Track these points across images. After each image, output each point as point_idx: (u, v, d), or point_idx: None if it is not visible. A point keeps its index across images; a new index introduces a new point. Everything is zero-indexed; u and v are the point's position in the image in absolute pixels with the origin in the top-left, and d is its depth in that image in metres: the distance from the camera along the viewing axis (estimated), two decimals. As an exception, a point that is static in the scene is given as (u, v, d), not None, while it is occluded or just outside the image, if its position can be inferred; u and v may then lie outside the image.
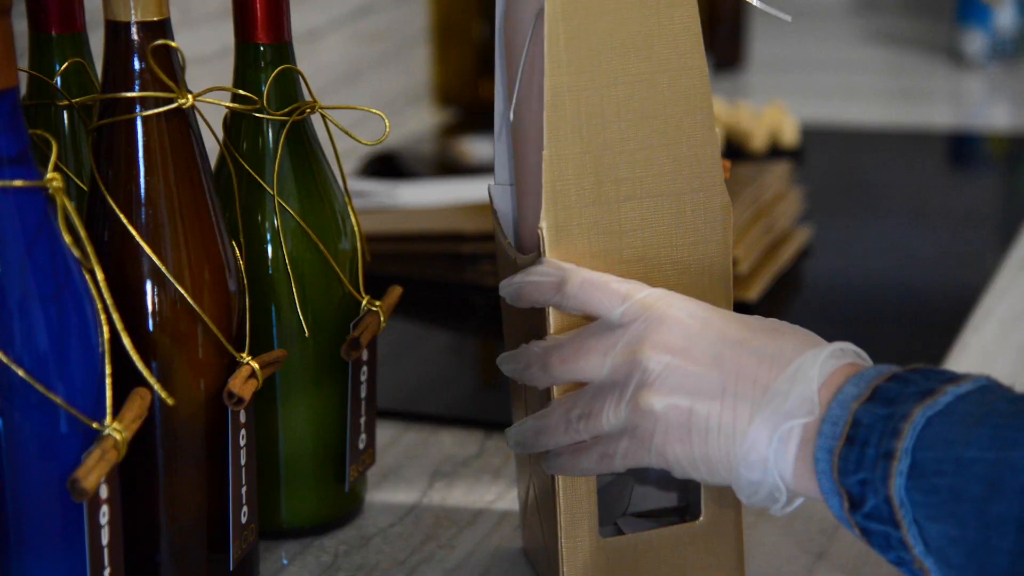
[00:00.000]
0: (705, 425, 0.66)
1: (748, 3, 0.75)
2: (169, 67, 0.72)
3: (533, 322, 0.75)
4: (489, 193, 0.79)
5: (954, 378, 0.63)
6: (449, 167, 1.39)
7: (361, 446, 0.84)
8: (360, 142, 0.81)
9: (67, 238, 0.65)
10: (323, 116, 0.81)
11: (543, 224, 0.72)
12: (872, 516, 0.62)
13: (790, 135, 1.45)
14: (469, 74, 1.59)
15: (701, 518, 0.76)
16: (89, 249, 0.65)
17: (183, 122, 0.73)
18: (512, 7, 0.74)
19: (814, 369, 0.65)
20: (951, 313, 1.10)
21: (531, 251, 0.74)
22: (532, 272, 0.72)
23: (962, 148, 1.54)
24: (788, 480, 0.65)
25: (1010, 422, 0.60)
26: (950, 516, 0.60)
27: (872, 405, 0.63)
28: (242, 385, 0.74)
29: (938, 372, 0.64)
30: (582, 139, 0.72)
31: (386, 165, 1.36)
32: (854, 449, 0.63)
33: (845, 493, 0.63)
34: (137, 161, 0.72)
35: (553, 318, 0.73)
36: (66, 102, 0.80)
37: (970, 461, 0.60)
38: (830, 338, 0.68)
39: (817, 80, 1.72)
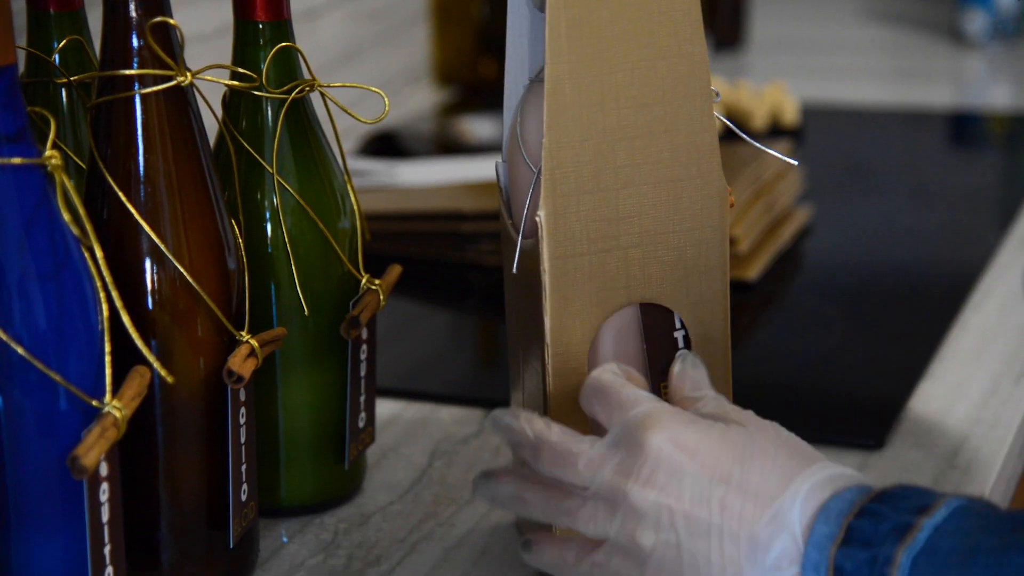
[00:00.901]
0: (697, 562, 0.66)
1: None
2: (168, 45, 0.72)
3: (533, 303, 0.75)
4: (496, 170, 0.79)
5: (924, 506, 0.63)
6: (449, 146, 1.39)
7: (361, 424, 0.84)
8: (360, 120, 0.81)
9: (66, 216, 0.64)
10: (322, 94, 0.81)
11: (541, 212, 0.72)
12: None
13: (790, 114, 1.45)
14: (469, 53, 1.59)
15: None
16: (88, 227, 0.65)
17: (182, 100, 0.73)
18: None
19: (793, 513, 0.64)
20: (951, 292, 1.10)
21: (530, 236, 0.75)
22: (511, 420, 0.71)
23: (962, 127, 1.54)
24: None
25: (1002, 557, 0.60)
26: None
27: (850, 549, 0.62)
28: (241, 363, 0.74)
29: (905, 497, 0.63)
30: (582, 126, 0.72)
31: (386, 144, 1.36)
32: None
33: None
34: (136, 139, 0.72)
35: (550, 301, 0.73)
36: (64, 80, 0.80)
37: None
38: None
39: (818, 59, 1.72)
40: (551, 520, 0.70)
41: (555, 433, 0.70)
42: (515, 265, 0.75)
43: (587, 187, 0.73)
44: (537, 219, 0.73)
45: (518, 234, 0.76)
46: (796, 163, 0.80)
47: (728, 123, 0.77)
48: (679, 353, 0.73)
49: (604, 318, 0.74)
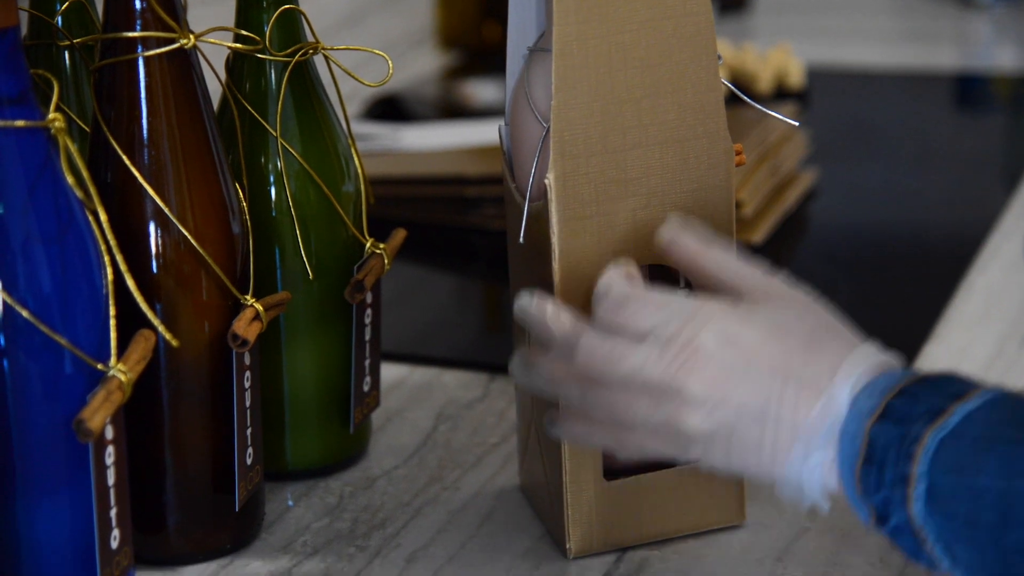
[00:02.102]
0: (746, 447, 0.67)
1: None
2: (171, 7, 0.71)
3: (540, 266, 0.75)
4: (499, 133, 0.79)
5: (961, 393, 0.64)
6: (452, 110, 1.38)
7: (366, 388, 0.84)
8: (363, 83, 0.81)
9: (70, 179, 0.64)
10: (326, 57, 0.81)
11: (550, 175, 0.72)
12: (897, 531, 0.64)
13: (796, 77, 1.44)
14: (473, 17, 1.58)
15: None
16: (92, 190, 0.65)
17: (185, 63, 0.73)
18: None
19: (843, 395, 0.66)
20: (957, 254, 1.09)
21: (537, 199, 0.74)
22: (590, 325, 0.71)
23: (968, 89, 1.53)
24: (826, 496, 0.67)
25: (1016, 449, 0.62)
26: (969, 541, 0.62)
27: (884, 424, 0.64)
28: (246, 327, 0.74)
29: (947, 383, 0.65)
30: (590, 88, 0.72)
31: (389, 108, 1.36)
32: (872, 469, 0.64)
33: (871, 508, 0.65)
34: (139, 102, 0.72)
35: (559, 264, 0.73)
36: (67, 42, 0.80)
37: (982, 490, 0.62)
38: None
39: (823, 22, 1.71)
40: (583, 405, 0.70)
41: (591, 332, 0.70)
42: (522, 234, 0.75)
43: (595, 149, 0.73)
44: (546, 182, 0.73)
45: (522, 197, 0.76)
46: (797, 124, 0.80)
47: (731, 87, 0.77)
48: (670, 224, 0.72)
49: None
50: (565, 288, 0.73)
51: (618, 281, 0.71)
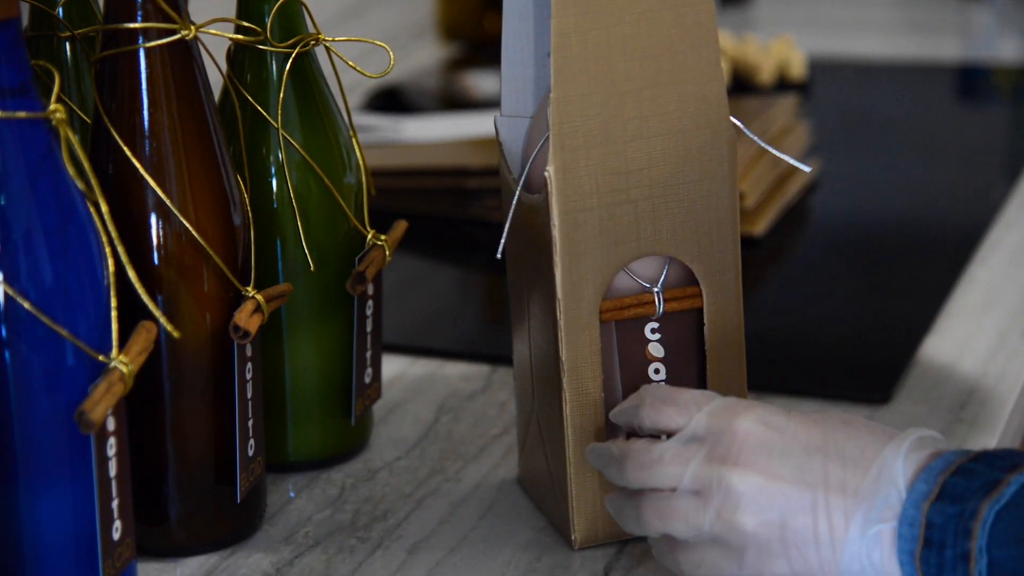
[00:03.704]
0: (801, 539, 0.65)
1: None
2: (172, -2, 0.71)
3: (540, 259, 0.75)
4: (495, 125, 0.79)
5: (1017, 464, 0.63)
6: (454, 102, 1.38)
7: (367, 380, 0.84)
8: (365, 74, 0.81)
9: (71, 170, 0.64)
10: (327, 48, 0.81)
11: (551, 168, 0.72)
12: None
13: (797, 68, 1.44)
14: (474, 8, 1.58)
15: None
16: (93, 181, 0.65)
17: (186, 54, 0.73)
18: None
19: (897, 467, 0.65)
20: (958, 246, 1.09)
21: (537, 191, 0.74)
22: (617, 410, 0.73)
23: (970, 81, 1.53)
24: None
25: None
26: None
27: (942, 504, 0.63)
28: (247, 319, 0.74)
29: (1002, 457, 0.64)
30: (589, 80, 0.72)
31: (391, 100, 1.36)
32: (932, 551, 0.63)
33: None
34: (140, 93, 0.72)
35: (560, 257, 0.73)
36: (68, 33, 0.80)
37: None
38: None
39: (825, 13, 1.71)
40: (646, 529, 0.70)
41: (637, 442, 0.70)
42: (503, 240, 0.75)
43: (596, 141, 0.73)
44: (546, 175, 0.73)
45: (522, 187, 0.76)
46: (809, 169, 0.79)
47: (739, 124, 0.76)
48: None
49: (615, 272, 0.74)
50: (567, 282, 0.73)
51: (654, 386, 0.71)
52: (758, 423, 0.67)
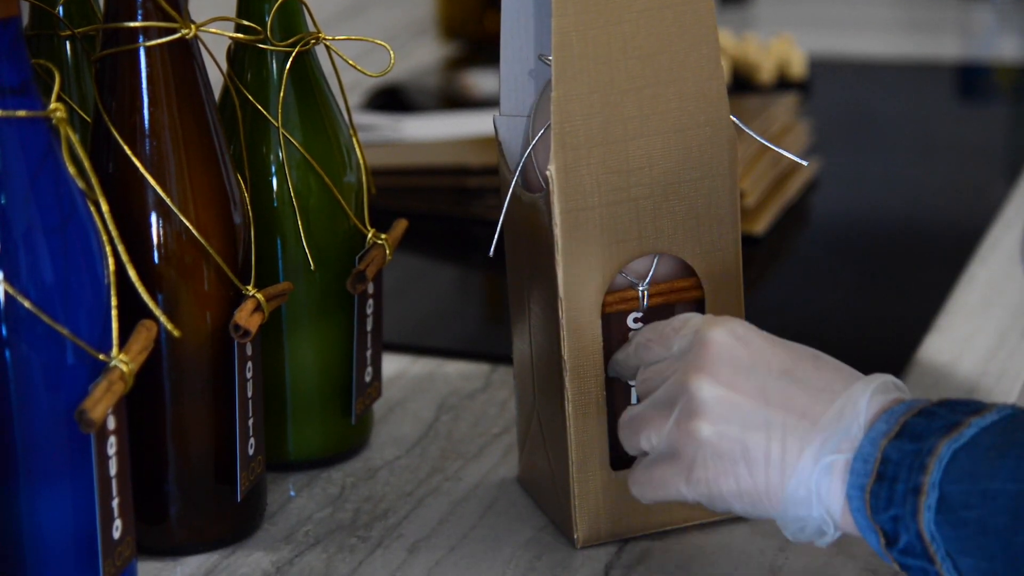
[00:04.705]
0: (753, 457, 0.66)
1: None
2: (172, -3, 0.71)
3: (541, 258, 0.75)
4: (494, 124, 0.79)
5: (978, 409, 0.63)
6: (454, 100, 1.38)
7: (367, 379, 0.84)
8: (365, 73, 0.81)
9: (71, 169, 0.64)
10: (327, 47, 0.81)
11: (552, 167, 0.72)
12: (907, 552, 0.63)
13: (798, 67, 1.44)
14: (474, 7, 1.58)
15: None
16: (94, 180, 0.65)
17: (186, 53, 0.73)
18: None
19: (861, 403, 0.65)
20: (958, 245, 1.09)
21: (537, 190, 0.74)
22: (617, 357, 0.74)
23: (970, 80, 1.53)
24: (836, 515, 0.65)
25: None
26: (979, 549, 0.61)
27: (900, 441, 0.63)
28: (248, 318, 0.74)
29: (964, 404, 0.64)
30: (589, 79, 0.72)
31: (391, 98, 1.36)
32: (884, 485, 0.63)
33: (880, 530, 0.63)
34: (141, 92, 0.72)
35: (561, 256, 0.73)
36: (68, 32, 0.80)
37: (995, 493, 0.61)
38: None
39: (825, 11, 1.71)
40: (624, 442, 0.71)
41: (636, 342, 0.72)
42: (496, 239, 0.75)
43: (596, 140, 0.73)
44: (547, 174, 0.73)
45: (522, 187, 0.76)
46: (807, 163, 0.79)
47: (740, 123, 0.76)
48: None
49: (616, 271, 0.74)
50: (569, 281, 0.73)
51: (641, 330, 0.73)
52: (730, 335, 0.67)
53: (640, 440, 0.70)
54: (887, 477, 0.63)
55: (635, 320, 0.75)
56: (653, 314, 0.75)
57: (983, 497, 0.61)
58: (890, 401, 0.65)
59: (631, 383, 0.75)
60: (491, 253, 0.75)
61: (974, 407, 0.64)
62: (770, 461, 0.65)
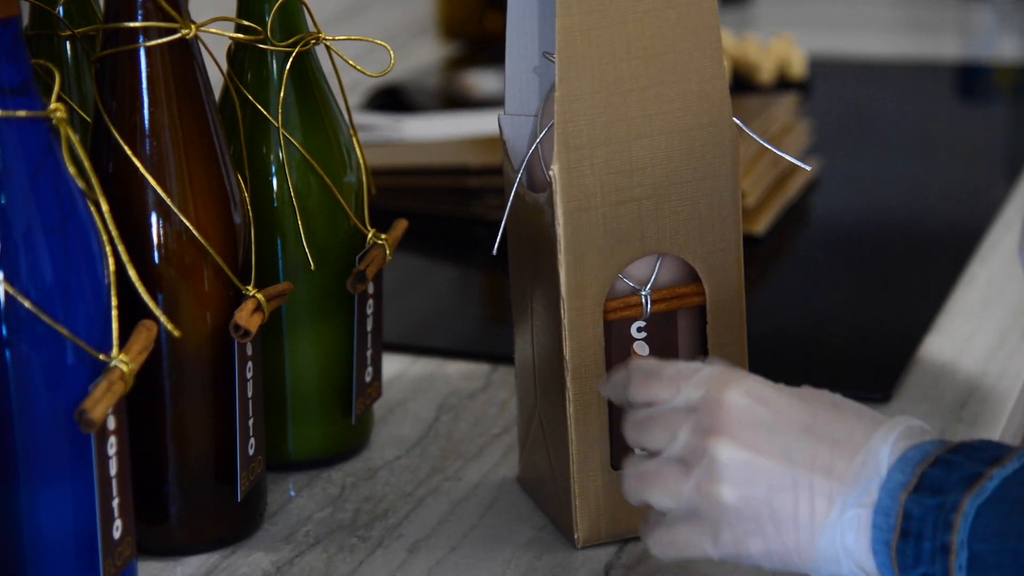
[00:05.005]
0: (780, 518, 0.65)
1: None
2: (172, -3, 0.71)
3: (544, 258, 0.75)
4: (499, 123, 0.79)
5: (998, 457, 0.62)
6: (454, 100, 1.38)
7: (367, 379, 0.84)
8: (365, 73, 0.81)
9: (71, 169, 0.64)
10: (328, 47, 0.81)
11: (555, 167, 0.72)
12: None
13: (798, 67, 1.44)
14: (475, 7, 1.58)
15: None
16: (94, 180, 0.65)
17: (186, 53, 0.73)
18: None
19: (883, 454, 0.64)
20: (958, 245, 1.09)
21: (541, 190, 0.74)
22: (606, 383, 0.71)
23: (970, 80, 1.53)
24: (868, 569, 0.64)
25: None
26: None
27: (920, 495, 0.62)
28: (248, 318, 0.74)
29: (980, 449, 0.63)
30: (593, 79, 0.72)
31: (391, 99, 1.36)
32: (909, 543, 0.62)
33: None
34: (141, 92, 0.72)
35: (564, 256, 0.73)
36: (68, 32, 0.80)
37: None
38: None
39: (825, 12, 1.71)
40: (628, 494, 0.69)
41: (639, 407, 0.69)
42: (506, 213, 0.75)
43: (600, 139, 0.73)
44: (550, 174, 0.73)
45: (526, 186, 0.76)
46: (809, 168, 0.79)
47: (743, 126, 0.76)
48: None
49: (619, 271, 0.74)
50: (572, 281, 0.73)
51: (637, 361, 0.69)
52: (747, 396, 0.66)
53: (653, 498, 0.68)
54: (912, 534, 0.62)
55: (639, 330, 0.75)
56: (657, 322, 0.75)
57: (1014, 556, 0.60)
58: (908, 447, 0.64)
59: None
60: (495, 251, 0.75)
61: (991, 454, 0.63)
62: (799, 521, 0.64)
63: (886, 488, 0.63)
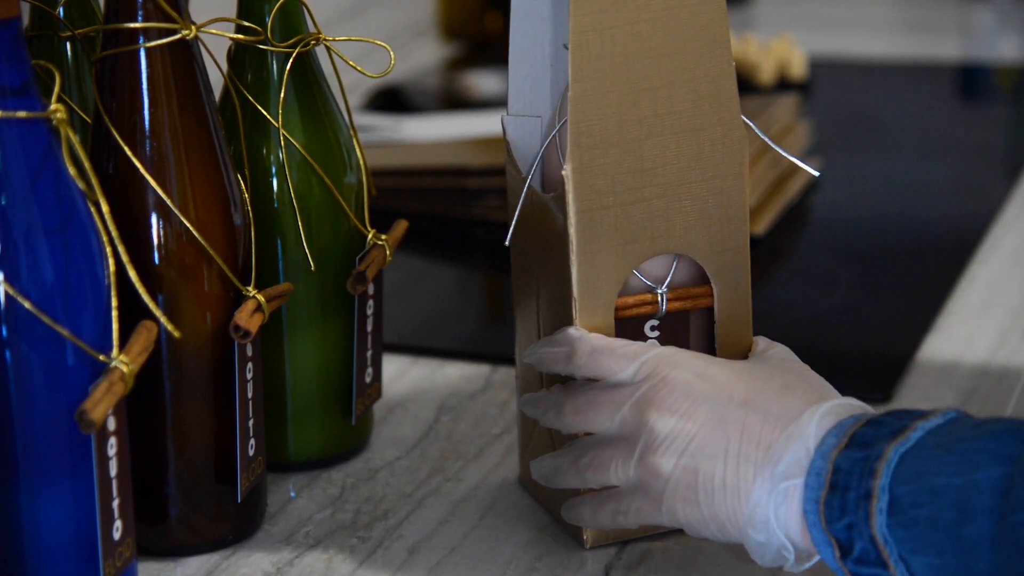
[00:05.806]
0: (711, 485, 0.67)
1: None
2: (172, -2, 0.71)
3: (553, 258, 0.75)
4: (502, 124, 0.79)
5: (924, 414, 0.65)
6: (454, 101, 1.39)
7: (368, 380, 0.84)
8: (365, 74, 0.81)
9: (71, 170, 0.64)
10: (328, 48, 0.81)
11: (568, 167, 0.72)
12: (862, 560, 0.63)
13: (798, 68, 1.44)
14: (475, 7, 1.58)
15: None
16: (94, 181, 0.65)
17: (187, 53, 0.73)
18: None
19: (810, 428, 0.66)
20: (959, 245, 1.09)
21: (551, 190, 0.74)
22: (546, 343, 0.73)
23: (971, 80, 1.53)
24: (795, 539, 0.66)
25: (973, 446, 0.62)
26: (930, 547, 0.62)
27: (849, 451, 0.64)
28: (248, 318, 0.74)
29: (911, 412, 0.65)
30: (606, 78, 0.72)
31: (391, 99, 1.36)
32: (836, 495, 0.64)
33: (834, 541, 0.64)
34: (141, 93, 0.72)
35: (576, 256, 0.73)
36: (69, 33, 0.80)
37: (941, 489, 0.61)
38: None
39: (825, 12, 1.71)
40: (583, 482, 0.71)
41: (575, 386, 0.71)
42: (510, 234, 0.75)
43: (612, 139, 0.73)
44: (563, 174, 0.73)
45: (538, 189, 0.76)
46: (817, 173, 0.80)
47: (753, 126, 0.77)
48: None
49: (630, 271, 0.74)
50: (583, 281, 0.73)
51: (585, 335, 0.72)
52: (690, 372, 0.68)
53: (608, 478, 0.70)
54: (839, 487, 0.64)
55: (652, 328, 0.75)
56: (670, 321, 0.75)
57: (931, 494, 0.61)
58: (841, 418, 0.66)
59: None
60: (507, 242, 0.76)
61: (920, 413, 0.65)
62: (727, 488, 0.66)
63: (819, 452, 0.65)
